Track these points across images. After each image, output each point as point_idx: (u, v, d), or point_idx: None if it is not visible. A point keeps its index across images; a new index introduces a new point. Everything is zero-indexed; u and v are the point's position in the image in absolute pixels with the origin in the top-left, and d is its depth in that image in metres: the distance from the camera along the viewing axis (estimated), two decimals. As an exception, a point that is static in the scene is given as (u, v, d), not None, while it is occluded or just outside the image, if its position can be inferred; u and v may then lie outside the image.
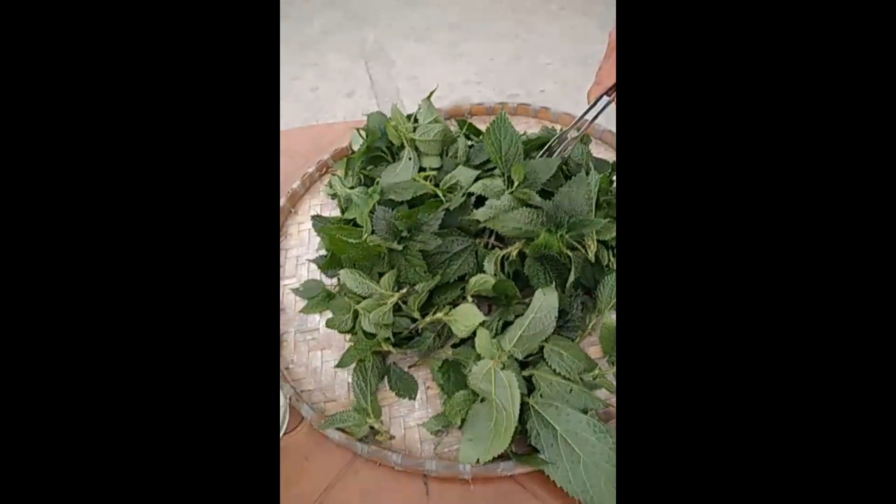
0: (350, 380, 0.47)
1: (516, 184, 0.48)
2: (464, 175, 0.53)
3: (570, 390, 0.40)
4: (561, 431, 0.38)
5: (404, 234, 0.48)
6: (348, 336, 0.49)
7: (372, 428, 0.43)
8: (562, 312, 0.43)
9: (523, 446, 0.40)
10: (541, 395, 0.40)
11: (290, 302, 0.54)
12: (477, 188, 0.50)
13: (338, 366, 0.47)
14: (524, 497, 0.39)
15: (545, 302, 0.42)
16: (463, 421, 0.41)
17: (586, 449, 0.37)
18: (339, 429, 0.42)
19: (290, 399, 0.45)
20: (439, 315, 0.45)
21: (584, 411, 0.38)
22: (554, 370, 0.41)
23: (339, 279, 0.51)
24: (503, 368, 0.40)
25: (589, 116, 0.39)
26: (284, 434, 0.44)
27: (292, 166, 0.69)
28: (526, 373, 0.42)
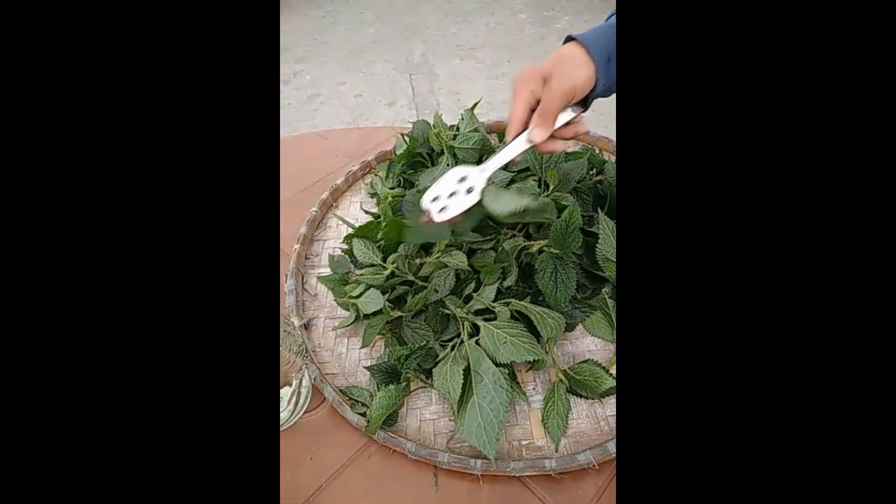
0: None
1: (552, 187, 0.50)
2: (499, 177, 0.56)
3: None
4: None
5: None
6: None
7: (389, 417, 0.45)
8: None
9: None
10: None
11: (322, 289, 0.57)
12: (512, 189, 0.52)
13: (363, 346, 0.50)
14: (531, 500, 0.40)
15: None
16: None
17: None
18: (358, 413, 0.44)
19: (314, 380, 0.47)
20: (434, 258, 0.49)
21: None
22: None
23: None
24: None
25: (509, 152, 0.46)
26: (305, 412, 0.46)
27: (338, 163, 0.73)
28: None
